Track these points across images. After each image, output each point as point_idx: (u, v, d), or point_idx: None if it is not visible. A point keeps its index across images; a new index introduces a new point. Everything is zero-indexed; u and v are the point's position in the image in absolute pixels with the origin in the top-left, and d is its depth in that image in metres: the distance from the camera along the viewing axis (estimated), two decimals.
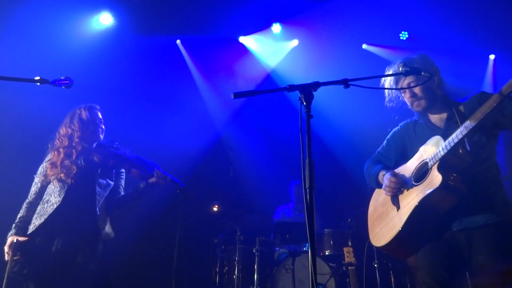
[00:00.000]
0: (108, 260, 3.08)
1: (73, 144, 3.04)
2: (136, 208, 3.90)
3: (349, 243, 4.48)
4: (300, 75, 6.42)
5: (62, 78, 2.21)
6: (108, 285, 2.94)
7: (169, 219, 5.67)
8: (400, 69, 2.21)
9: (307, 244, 4.46)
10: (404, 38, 6.20)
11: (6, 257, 2.75)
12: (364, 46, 6.42)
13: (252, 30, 6.37)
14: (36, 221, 2.83)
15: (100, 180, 3.04)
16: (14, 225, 2.89)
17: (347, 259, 4.04)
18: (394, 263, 4.44)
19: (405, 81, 2.38)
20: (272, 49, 6.62)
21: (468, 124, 2.02)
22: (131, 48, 5.86)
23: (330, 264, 4.56)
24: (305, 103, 1.72)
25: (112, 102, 5.39)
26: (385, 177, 2.39)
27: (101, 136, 3.18)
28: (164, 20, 5.94)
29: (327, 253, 4.80)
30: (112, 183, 3.13)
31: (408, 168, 2.37)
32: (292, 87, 1.77)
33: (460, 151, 2.08)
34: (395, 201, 2.35)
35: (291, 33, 6.39)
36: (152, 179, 3.09)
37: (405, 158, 2.47)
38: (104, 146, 3.13)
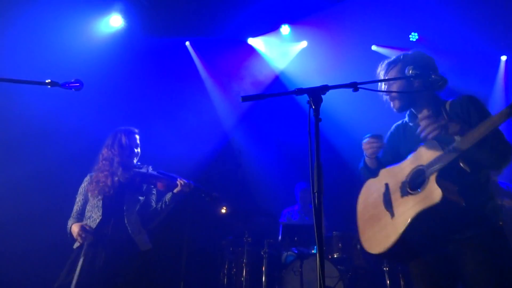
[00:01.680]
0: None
1: (113, 167, 3.24)
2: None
3: (358, 246, 4.45)
4: (309, 77, 6.39)
5: (72, 80, 2.22)
6: (116, 285, 2.97)
7: (178, 221, 5.70)
8: (410, 71, 2.19)
9: (315, 247, 4.44)
10: (414, 40, 6.15)
11: (79, 241, 2.97)
12: (374, 47, 6.38)
13: (261, 31, 6.37)
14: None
15: (128, 197, 3.23)
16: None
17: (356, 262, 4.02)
18: (404, 267, 4.40)
19: (392, 75, 2.33)
20: (281, 50, 6.61)
21: (465, 141, 1.92)
22: (141, 50, 5.90)
23: (339, 267, 4.53)
24: (314, 107, 1.70)
25: (121, 104, 5.45)
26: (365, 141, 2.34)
27: (135, 160, 3.37)
28: (174, 22, 5.97)
29: (335, 256, 4.77)
30: (142, 198, 3.32)
31: (403, 169, 2.23)
32: (300, 91, 1.74)
33: (461, 164, 1.97)
34: (389, 206, 2.23)
35: (300, 35, 6.37)
36: (177, 189, 3.26)
37: (399, 160, 2.34)
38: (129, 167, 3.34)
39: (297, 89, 1.76)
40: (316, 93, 1.72)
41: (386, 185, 2.31)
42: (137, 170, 3.31)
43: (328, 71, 6.11)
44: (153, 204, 3.39)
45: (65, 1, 5.01)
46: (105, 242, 3.01)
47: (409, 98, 2.27)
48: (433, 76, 2.18)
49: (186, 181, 3.28)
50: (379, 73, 2.43)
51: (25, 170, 4.58)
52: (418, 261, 2.19)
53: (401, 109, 2.33)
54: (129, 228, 3.11)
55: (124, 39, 5.78)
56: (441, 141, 2.03)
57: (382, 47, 6.32)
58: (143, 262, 3.19)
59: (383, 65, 2.41)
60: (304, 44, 6.50)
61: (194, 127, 6.12)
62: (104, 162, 3.28)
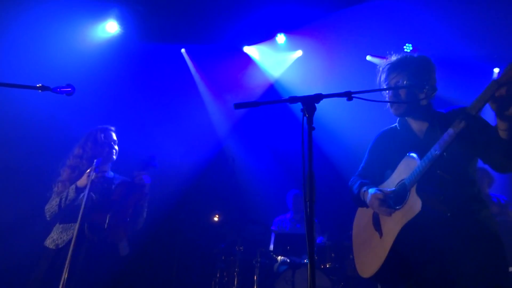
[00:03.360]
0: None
1: (83, 164, 3.17)
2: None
3: (351, 256, 4.43)
4: (304, 86, 6.41)
5: (64, 85, 2.20)
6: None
7: (169, 229, 5.65)
8: (405, 82, 2.19)
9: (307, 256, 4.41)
10: (408, 51, 6.20)
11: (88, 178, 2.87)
12: (368, 57, 6.42)
13: (257, 40, 6.39)
14: (64, 237, 2.97)
15: (113, 201, 3.17)
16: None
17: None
18: None
19: (393, 80, 2.26)
20: (276, 59, 6.63)
21: (443, 141, 1.88)
22: (137, 56, 5.90)
23: (331, 277, 4.50)
24: (307, 115, 1.69)
25: (115, 110, 5.42)
26: (372, 195, 2.18)
27: (114, 157, 3.32)
28: (169, 29, 5.97)
29: (328, 266, 4.74)
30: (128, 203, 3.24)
31: (389, 187, 2.21)
32: (294, 99, 1.73)
33: (439, 172, 1.93)
34: (377, 226, 2.20)
35: (296, 44, 6.40)
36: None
37: (388, 167, 2.30)
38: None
39: (290, 97, 1.74)
40: (310, 102, 1.71)
41: None
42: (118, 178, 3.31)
43: (323, 80, 6.14)
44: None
45: (61, 7, 5.00)
46: (84, 243, 2.93)
47: (416, 105, 2.20)
48: (425, 88, 2.16)
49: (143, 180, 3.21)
50: (381, 75, 2.38)
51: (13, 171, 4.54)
52: (411, 283, 2.09)
53: (403, 114, 2.27)
54: (107, 230, 3.04)
55: (120, 45, 5.77)
56: (423, 150, 1.99)
57: (377, 57, 6.36)
58: (124, 267, 3.13)
59: (385, 68, 2.35)
60: (299, 53, 6.53)
61: (187, 135, 6.10)
62: (73, 159, 3.22)
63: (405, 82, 2.17)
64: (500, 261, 1.93)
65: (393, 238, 2.02)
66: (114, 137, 3.37)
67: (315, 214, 1.60)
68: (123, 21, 5.71)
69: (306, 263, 4.54)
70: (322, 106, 1.83)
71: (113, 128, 3.41)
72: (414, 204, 1.95)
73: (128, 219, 3.20)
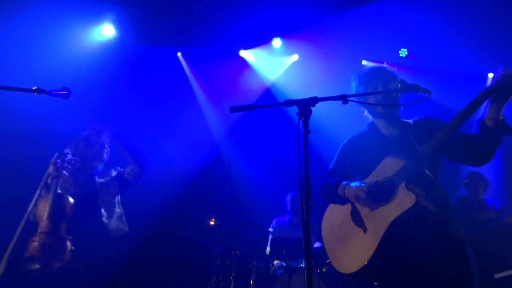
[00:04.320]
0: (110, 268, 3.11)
1: (75, 162, 3.20)
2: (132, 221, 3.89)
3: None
4: (300, 90, 6.43)
5: (60, 88, 2.19)
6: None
7: (165, 232, 5.63)
8: (399, 85, 2.21)
9: (303, 260, 4.41)
10: (404, 55, 6.24)
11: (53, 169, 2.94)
12: (364, 62, 6.45)
13: (253, 44, 6.40)
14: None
15: (98, 179, 3.29)
16: None
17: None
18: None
19: (376, 85, 2.36)
20: (272, 63, 6.65)
21: (426, 147, 2.08)
22: (133, 60, 5.90)
23: (328, 281, 4.50)
24: (303, 118, 1.69)
25: (111, 113, 5.41)
26: (356, 188, 2.21)
27: (105, 156, 3.42)
28: (165, 33, 5.98)
29: (324, 270, 4.73)
30: (113, 173, 3.40)
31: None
32: (290, 102, 1.74)
33: (426, 171, 2.06)
34: (359, 223, 2.22)
35: (292, 48, 6.42)
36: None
37: (357, 172, 2.39)
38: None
39: (286, 100, 1.75)
40: (306, 105, 1.72)
41: (352, 204, 2.30)
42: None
43: (319, 84, 6.16)
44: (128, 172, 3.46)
45: (57, 10, 5.00)
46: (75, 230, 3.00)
47: (393, 110, 2.35)
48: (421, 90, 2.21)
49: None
50: (359, 81, 2.47)
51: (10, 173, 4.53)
52: (399, 278, 2.15)
53: (383, 116, 2.37)
54: (102, 210, 3.14)
55: (116, 48, 5.77)
56: (401, 153, 2.17)
57: (372, 62, 6.39)
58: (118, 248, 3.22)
59: (366, 73, 2.45)
60: (295, 57, 6.55)
61: (183, 138, 6.09)
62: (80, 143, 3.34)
63: (399, 85, 2.19)
64: (470, 270, 2.08)
65: (382, 232, 2.06)
66: (106, 137, 3.43)
67: (312, 217, 1.61)
68: (119, 24, 5.71)
69: (303, 267, 4.56)
70: (318, 110, 1.83)
71: (105, 128, 3.45)
72: (406, 198, 2.04)
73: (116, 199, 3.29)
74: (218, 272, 4.97)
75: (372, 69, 2.46)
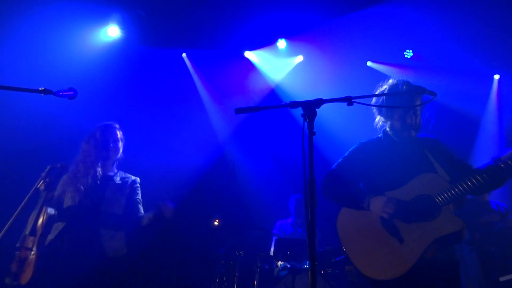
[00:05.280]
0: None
1: (88, 163, 3.10)
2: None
3: (347, 268, 4.41)
4: (304, 91, 6.42)
5: (66, 89, 2.21)
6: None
7: (169, 233, 5.64)
8: (404, 87, 2.21)
9: (307, 262, 4.40)
10: (409, 57, 6.22)
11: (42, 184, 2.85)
12: (369, 63, 6.44)
13: (258, 45, 6.41)
14: (49, 236, 2.93)
15: (108, 198, 3.08)
16: None
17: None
18: None
19: (417, 101, 2.38)
20: (277, 64, 6.65)
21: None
22: (138, 60, 5.92)
23: (331, 282, 4.49)
24: (308, 120, 1.70)
25: (116, 114, 5.43)
26: (383, 201, 2.26)
27: (120, 150, 3.25)
28: (170, 34, 6.00)
29: (328, 271, 4.72)
30: (123, 198, 3.16)
31: (401, 197, 2.27)
32: (294, 104, 1.74)
33: (469, 198, 2.24)
34: (394, 233, 2.24)
35: (296, 49, 6.42)
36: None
37: (364, 177, 2.44)
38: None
39: (291, 102, 1.76)
40: (311, 107, 1.72)
41: None
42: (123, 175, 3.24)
43: (323, 86, 6.15)
44: (141, 209, 3.25)
45: (64, 11, 5.03)
46: (70, 249, 2.88)
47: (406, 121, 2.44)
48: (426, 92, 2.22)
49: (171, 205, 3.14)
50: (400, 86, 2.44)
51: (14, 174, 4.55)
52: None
53: (409, 127, 2.40)
54: (101, 231, 2.96)
55: (122, 49, 5.80)
56: (426, 169, 2.29)
57: (377, 63, 6.38)
58: (114, 269, 3.00)
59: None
60: (300, 58, 6.55)
61: (188, 139, 6.10)
62: (80, 158, 3.15)
63: (404, 87, 2.20)
64: None
65: (423, 249, 2.13)
66: (117, 134, 3.27)
67: (316, 220, 1.61)
68: (124, 25, 5.74)
69: (307, 268, 4.55)
70: (322, 111, 1.83)
71: (116, 125, 3.32)
72: (452, 222, 2.14)
73: (121, 213, 3.12)
74: (222, 273, 4.98)
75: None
